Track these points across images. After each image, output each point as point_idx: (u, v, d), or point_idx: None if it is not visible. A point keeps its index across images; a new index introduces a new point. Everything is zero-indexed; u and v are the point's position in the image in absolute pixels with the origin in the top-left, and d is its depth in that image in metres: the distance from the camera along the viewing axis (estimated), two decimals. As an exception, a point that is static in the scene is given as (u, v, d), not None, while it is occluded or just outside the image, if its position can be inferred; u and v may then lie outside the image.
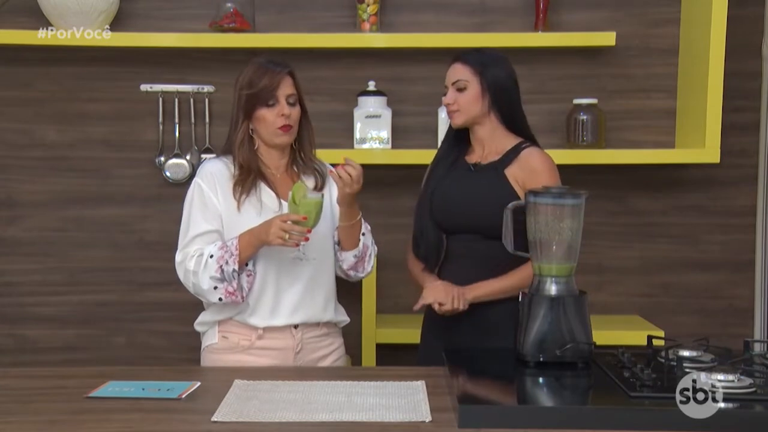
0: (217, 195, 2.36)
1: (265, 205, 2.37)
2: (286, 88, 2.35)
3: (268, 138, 2.38)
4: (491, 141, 2.46)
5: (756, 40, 3.29)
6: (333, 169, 2.33)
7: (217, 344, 2.40)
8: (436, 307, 2.34)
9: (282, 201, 2.38)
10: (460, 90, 2.43)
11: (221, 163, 2.41)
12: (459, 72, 2.45)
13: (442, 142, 2.60)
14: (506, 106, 2.44)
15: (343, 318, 2.51)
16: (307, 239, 2.24)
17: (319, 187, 2.44)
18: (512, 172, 2.40)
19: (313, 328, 2.42)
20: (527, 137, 2.48)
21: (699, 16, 3.09)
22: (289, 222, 2.21)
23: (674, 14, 3.27)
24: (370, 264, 2.49)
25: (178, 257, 2.37)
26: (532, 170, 2.38)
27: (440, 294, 2.34)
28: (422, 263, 2.52)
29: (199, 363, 3.17)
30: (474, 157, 2.49)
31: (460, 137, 2.52)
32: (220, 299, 2.30)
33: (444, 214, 2.46)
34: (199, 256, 2.31)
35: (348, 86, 3.26)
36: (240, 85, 2.37)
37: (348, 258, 2.44)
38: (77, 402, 1.94)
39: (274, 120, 2.35)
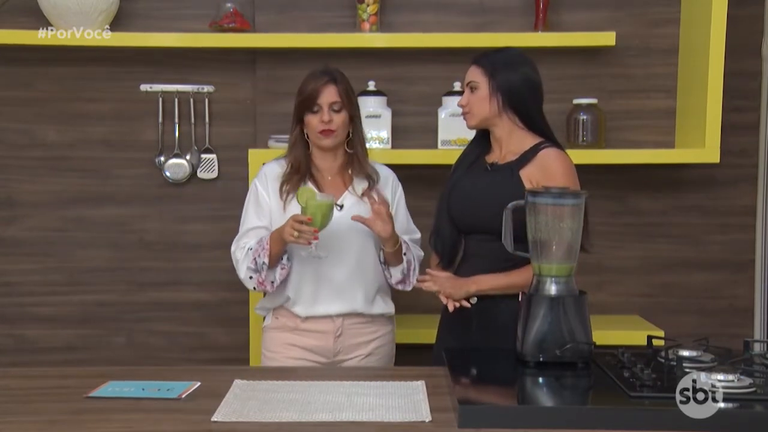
0: (269, 193, 2.56)
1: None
2: (328, 96, 2.51)
3: (314, 141, 2.55)
4: (509, 141, 2.44)
5: (756, 40, 3.29)
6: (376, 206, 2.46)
7: (271, 324, 2.62)
8: (443, 299, 2.37)
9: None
10: (473, 91, 2.43)
11: (277, 165, 2.60)
12: (472, 73, 2.44)
13: (470, 142, 2.59)
14: (521, 108, 2.42)
15: (386, 311, 2.62)
16: (316, 239, 2.38)
17: (371, 188, 2.56)
18: (527, 173, 2.37)
19: (354, 316, 2.56)
20: (548, 138, 2.46)
21: (699, 16, 3.09)
22: (297, 223, 2.37)
23: (674, 14, 3.27)
24: (416, 275, 2.60)
25: (233, 248, 2.56)
26: (547, 171, 2.35)
27: (446, 286, 2.35)
28: (438, 259, 2.54)
29: (198, 363, 3.20)
30: (493, 157, 2.48)
31: (485, 137, 2.51)
32: (254, 288, 2.52)
33: (459, 213, 2.46)
34: (243, 251, 2.51)
35: (348, 86, 3.25)
36: (297, 91, 2.56)
37: (395, 274, 2.58)
38: (77, 402, 1.93)
39: (316, 125, 2.52)
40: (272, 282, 2.49)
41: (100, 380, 2.07)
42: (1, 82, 3.36)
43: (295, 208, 2.45)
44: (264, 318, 2.68)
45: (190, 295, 3.39)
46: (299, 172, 2.54)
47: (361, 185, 2.57)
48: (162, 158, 3.36)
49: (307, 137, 2.57)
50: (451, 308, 2.35)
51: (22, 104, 3.37)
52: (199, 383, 2.05)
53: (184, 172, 3.36)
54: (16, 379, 2.17)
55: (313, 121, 2.51)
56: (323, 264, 2.50)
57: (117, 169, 3.39)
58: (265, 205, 2.55)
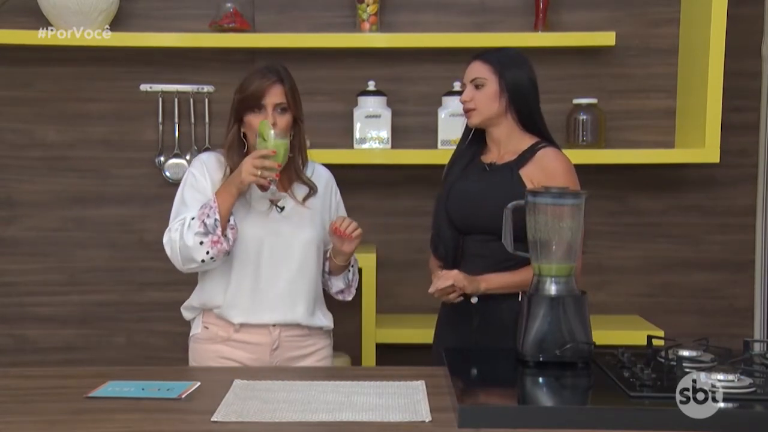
0: (207, 181, 2.40)
1: (254, 207, 2.41)
2: (273, 97, 2.35)
3: (253, 142, 2.37)
4: (508, 141, 2.43)
5: (755, 40, 3.29)
6: (340, 229, 2.36)
7: (200, 334, 2.46)
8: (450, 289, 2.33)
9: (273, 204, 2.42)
10: (478, 87, 2.40)
11: (214, 156, 2.46)
12: (478, 70, 2.41)
13: (459, 142, 2.56)
14: (524, 107, 2.41)
15: (325, 324, 2.50)
16: (278, 175, 2.29)
17: (311, 196, 2.46)
18: (527, 173, 2.37)
19: (293, 328, 2.43)
20: (545, 138, 2.45)
21: (699, 16, 3.09)
22: (259, 158, 2.25)
23: (674, 14, 3.27)
24: (354, 289, 2.57)
25: (165, 237, 2.38)
26: (548, 171, 2.35)
27: (460, 280, 2.32)
28: (440, 262, 2.51)
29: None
30: (490, 157, 2.46)
31: (476, 137, 2.50)
32: (207, 253, 2.29)
33: (458, 214, 2.44)
34: (181, 225, 2.34)
35: (348, 86, 3.26)
36: (236, 89, 2.41)
37: (337, 283, 2.52)
38: (77, 402, 1.93)
39: (256, 129, 2.35)
40: (229, 241, 2.30)
41: (100, 380, 2.07)
42: (1, 82, 3.36)
43: (239, 209, 2.35)
44: (191, 325, 2.51)
45: (190, 295, 3.38)
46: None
47: (301, 189, 2.45)
48: (162, 158, 3.36)
49: (245, 137, 2.40)
50: (453, 298, 2.33)
51: (21, 104, 3.37)
52: (199, 383, 2.05)
53: (183, 172, 3.34)
54: (16, 379, 2.17)
55: (255, 122, 2.34)
56: (264, 268, 2.38)
57: (117, 169, 3.39)
58: (203, 190, 2.38)
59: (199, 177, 2.41)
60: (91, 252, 3.41)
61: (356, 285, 2.57)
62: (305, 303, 2.43)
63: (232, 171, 2.37)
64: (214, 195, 2.33)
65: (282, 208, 2.42)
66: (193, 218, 2.31)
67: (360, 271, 2.68)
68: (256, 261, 2.39)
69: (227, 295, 2.40)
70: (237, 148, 2.40)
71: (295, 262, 2.41)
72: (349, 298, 2.57)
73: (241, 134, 2.41)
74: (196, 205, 2.35)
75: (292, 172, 2.44)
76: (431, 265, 2.56)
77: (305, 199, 2.44)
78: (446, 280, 2.31)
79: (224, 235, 2.30)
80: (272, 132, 2.30)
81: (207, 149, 3.32)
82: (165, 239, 2.38)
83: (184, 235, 2.31)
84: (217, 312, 2.42)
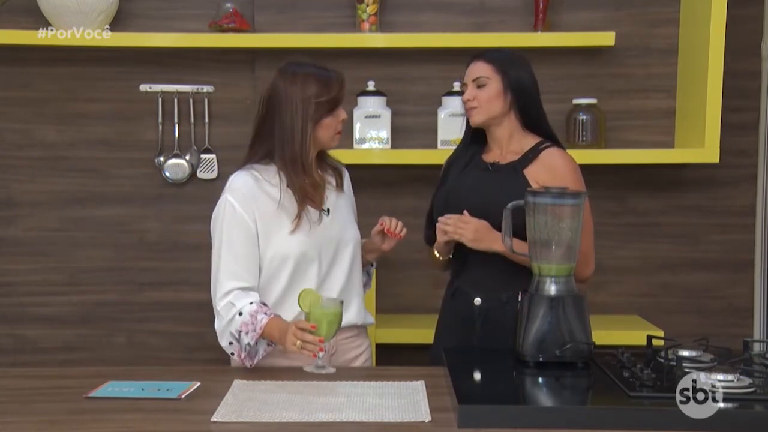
0: (251, 220, 2.30)
1: (304, 219, 2.31)
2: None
3: (327, 142, 2.35)
4: (510, 141, 2.42)
5: (755, 40, 3.29)
6: (392, 230, 2.39)
7: None
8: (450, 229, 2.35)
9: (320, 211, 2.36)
10: (480, 87, 2.38)
11: (251, 177, 2.34)
12: (480, 69, 2.39)
13: (459, 145, 2.55)
14: (528, 107, 2.41)
15: (370, 320, 2.50)
16: (321, 350, 2.15)
17: (338, 185, 2.43)
18: (532, 172, 2.36)
19: (346, 330, 2.38)
20: (549, 138, 2.44)
21: (698, 16, 3.09)
22: (300, 330, 2.13)
23: (674, 14, 3.27)
24: (369, 286, 2.59)
25: (215, 304, 2.31)
26: (554, 171, 2.34)
27: (468, 233, 2.32)
28: (448, 267, 2.49)
29: (197, 363, 3.19)
30: (491, 157, 2.44)
31: (475, 138, 2.48)
32: (232, 354, 2.27)
33: (462, 213, 2.39)
34: (227, 312, 2.26)
35: (348, 86, 3.21)
36: (303, 96, 2.30)
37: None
38: (77, 402, 1.94)
39: (336, 125, 2.35)
40: (253, 357, 2.24)
41: (100, 380, 2.07)
42: (1, 82, 3.36)
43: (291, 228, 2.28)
44: None
45: (190, 295, 3.38)
46: (308, 195, 2.31)
47: (331, 179, 2.42)
48: (162, 158, 3.36)
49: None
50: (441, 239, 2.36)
51: (21, 104, 3.37)
52: (198, 383, 2.05)
53: (183, 172, 3.36)
54: (16, 379, 2.17)
55: (332, 123, 2.33)
56: (321, 275, 2.32)
57: (117, 169, 3.39)
58: (251, 232, 2.29)
59: (244, 215, 2.30)
60: (91, 252, 3.41)
61: (370, 284, 2.59)
62: (357, 301, 2.42)
63: (301, 190, 2.29)
64: (266, 319, 2.19)
65: (328, 210, 2.37)
66: (240, 314, 2.22)
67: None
68: (314, 270, 2.32)
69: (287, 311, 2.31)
70: (310, 157, 2.31)
71: (347, 262, 2.38)
72: (368, 290, 2.57)
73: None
74: (244, 247, 2.28)
75: (321, 164, 2.41)
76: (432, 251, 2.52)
77: (338, 185, 2.42)
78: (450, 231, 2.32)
79: (253, 346, 2.22)
80: (317, 302, 2.18)
81: (207, 150, 3.33)
82: (215, 306, 2.30)
83: (224, 326, 2.25)
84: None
